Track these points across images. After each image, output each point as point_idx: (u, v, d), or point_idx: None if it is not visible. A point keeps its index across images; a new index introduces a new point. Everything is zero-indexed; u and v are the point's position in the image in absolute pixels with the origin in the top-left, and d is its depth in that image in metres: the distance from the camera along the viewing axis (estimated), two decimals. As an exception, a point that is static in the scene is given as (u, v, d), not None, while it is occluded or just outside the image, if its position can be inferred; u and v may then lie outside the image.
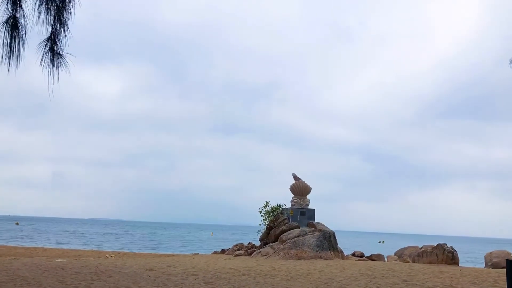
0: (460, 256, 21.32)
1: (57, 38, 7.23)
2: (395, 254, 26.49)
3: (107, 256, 24.61)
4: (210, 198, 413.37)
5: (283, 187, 27.73)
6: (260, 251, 23.53)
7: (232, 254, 25.61)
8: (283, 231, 23.83)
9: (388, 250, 36.37)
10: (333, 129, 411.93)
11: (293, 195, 26.33)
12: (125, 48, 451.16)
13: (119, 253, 30.00)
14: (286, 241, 22.64)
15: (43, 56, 7.32)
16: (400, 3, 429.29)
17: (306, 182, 26.60)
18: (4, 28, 7.02)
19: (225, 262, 19.60)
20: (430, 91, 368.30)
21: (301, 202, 25.90)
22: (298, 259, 20.67)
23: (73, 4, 7.13)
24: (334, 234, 23.65)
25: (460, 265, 20.72)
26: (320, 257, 21.26)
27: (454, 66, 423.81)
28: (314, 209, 25.84)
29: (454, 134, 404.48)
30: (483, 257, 24.35)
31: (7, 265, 15.22)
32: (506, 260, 9.51)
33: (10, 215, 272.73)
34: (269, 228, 25.47)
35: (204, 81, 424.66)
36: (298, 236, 22.74)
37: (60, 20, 7.12)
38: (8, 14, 7.02)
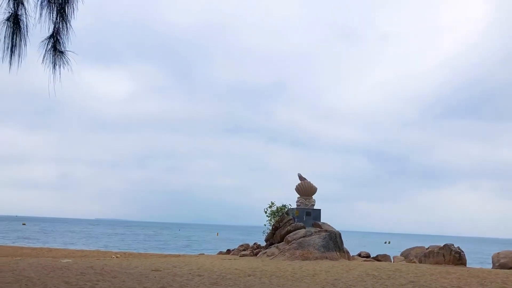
0: (467, 257, 21.10)
1: (60, 36, 7.16)
2: (402, 254, 26.30)
3: (113, 256, 24.60)
4: (215, 199, 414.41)
5: (289, 187, 27.61)
6: (266, 252, 23.43)
7: (237, 255, 25.54)
8: (289, 232, 23.73)
9: (394, 250, 36.17)
10: (337, 129, 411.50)
11: (299, 196, 26.18)
12: (129, 49, 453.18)
13: (124, 253, 29.98)
14: (292, 242, 22.52)
15: (44, 54, 7.26)
16: (402, 3, 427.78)
17: (311, 182, 26.47)
18: (6, 26, 6.96)
19: (231, 263, 19.53)
20: (432, 90, 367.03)
21: (306, 203, 25.75)
22: (303, 260, 20.55)
23: (75, 1, 7.06)
24: (340, 234, 23.51)
25: (467, 265, 20.53)
26: (326, 258, 21.12)
27: (455, 66, 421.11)
28: (320, 210, 25.68)
29: (459, 134, 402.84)
30: (491, 258, 24.10)
31: (13, 266, 15.23)
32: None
33: (17, 215, 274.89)
34: (275, 228, 25.38)
35: (209, 82, 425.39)
36: (303, 237, 22.62)
37: (63, 18, 7.05)
38: (9, 12, 6.96)
